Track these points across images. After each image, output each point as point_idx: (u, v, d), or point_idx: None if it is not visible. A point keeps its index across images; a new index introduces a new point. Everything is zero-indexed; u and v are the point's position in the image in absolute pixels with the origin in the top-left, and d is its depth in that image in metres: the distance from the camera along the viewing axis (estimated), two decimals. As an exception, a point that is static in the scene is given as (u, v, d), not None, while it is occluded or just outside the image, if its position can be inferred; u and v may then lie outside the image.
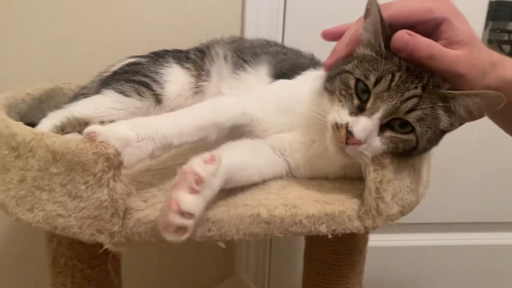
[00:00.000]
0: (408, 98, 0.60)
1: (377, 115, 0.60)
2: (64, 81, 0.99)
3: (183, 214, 0.51)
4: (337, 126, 0.62)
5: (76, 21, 1.12)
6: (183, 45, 1.02)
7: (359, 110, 0.62)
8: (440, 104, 0.61)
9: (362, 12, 0.66)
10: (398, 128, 0.61)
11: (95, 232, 0.56)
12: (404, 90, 0.60)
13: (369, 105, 0.61)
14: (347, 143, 0.60)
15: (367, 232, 0.65)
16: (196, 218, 0.53)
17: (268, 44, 1.00)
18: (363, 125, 0.60)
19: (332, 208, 0.62)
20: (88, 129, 0.54)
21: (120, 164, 0.54)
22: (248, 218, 0.59)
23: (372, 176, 0.61)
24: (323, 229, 0.61)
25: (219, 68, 0.93)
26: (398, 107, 0.60)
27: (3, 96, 0.78)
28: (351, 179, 0.71)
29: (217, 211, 0.58)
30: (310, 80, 0.75)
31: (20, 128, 0.58)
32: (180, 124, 0.63)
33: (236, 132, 0.73)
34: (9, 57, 1.10)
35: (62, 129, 0.73)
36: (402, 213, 0.67)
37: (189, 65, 0.93)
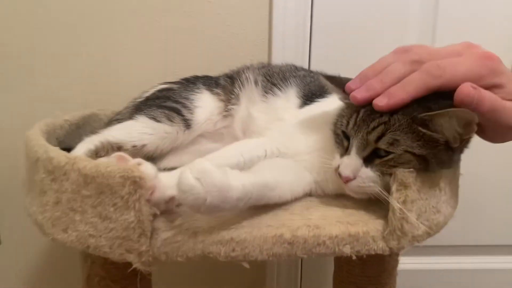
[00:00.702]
0: (374, 128, 0.64)
1: (354, 151, 0.66)
2: (100, 107, 1.05)
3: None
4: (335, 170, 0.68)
5: (111, 51, 1.18)
6: (213, 71, 1.06)
7: (346, 151, 0.68)
8: (420, 124, 0.62)
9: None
10: (385, 153, 0.64)
11: (124, 252, 0.58)
12: (369, 121, 0.64)
13: (350, 145, 0.67)
14: (344, 183, 0.67)
15: (392, 253, 0.64)
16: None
17: (296, 68, 1.03)
18: (345, 163, 0.66)
19: (355, 228, 0.62)
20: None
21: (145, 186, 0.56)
22: (271, 239, 0.60)
23: (395, 196, 0.61)
24: (346, 250, 0.61)
25: (250, 92, 0.96)
26: (366, 138, 0.64)
27: (43, 123, 0.83)
28: (376, 199, 0.71)
29: (241, 231, 0.60)
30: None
31: (56, 153, 0.62)
32: None
33: None
34: (49, 85, 1.17)
35: (96, 153, 0.76)
36: (429, 234, 0.66)
37: (218, 91, 0.95)
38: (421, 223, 0.64)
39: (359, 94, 0.64)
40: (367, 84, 0.64)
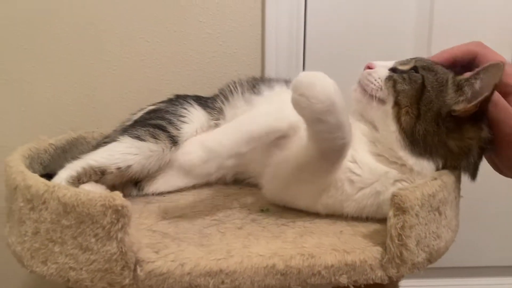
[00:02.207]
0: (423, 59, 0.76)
1: (394, 61, 0.76)
2: (89, 129, 1.02)
3: None
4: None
5: (101, 69, 1.15)
6: (206, 91, 1.04)
7: None
8: (451, 81, 0.70)
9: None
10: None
11: (106, 285, 0.55)
12: None
13: None
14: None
15: (391, 282, 0.61)
16: None
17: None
18: (379, 61, 0.76)
19: (352, 257, 0.58)
20: None
21: (129, 216, 0.53)
22: (263, 270, 0.56)
23: (392, 222, 0.58)
24: (343, 280, 0.58)
25: (235, 102, 0.94)
26: (411, 59, 0.75)
27: (26, 147, 0.80)
28: (372, 223, 0.68)
29: (230, 262, 0.56)
30: None
31: (35, 180, 0.59)
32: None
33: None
34: (35, 106, 1.14)
35: (79, 179, 0.73)
36: (430, 260, 0.63)
37: (209, 110, 0.94)
38: (421, 249, 0.61)
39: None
40: None
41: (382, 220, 0.65)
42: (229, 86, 0.98)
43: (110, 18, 1.13)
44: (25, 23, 1.11)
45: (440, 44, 1.16)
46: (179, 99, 0.94)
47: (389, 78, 0.72)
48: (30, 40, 1.11)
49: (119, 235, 0.52)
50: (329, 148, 0.63)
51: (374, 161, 0.70)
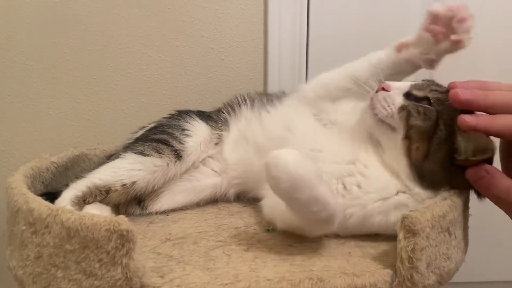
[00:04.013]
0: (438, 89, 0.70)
1: (410, 83, 0.71)
2: (91, 145, 1.01)
3: None
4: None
5: (103, 84, 1.14)
6: (208, 106, 1.03)
7: None
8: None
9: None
10: (421, 102, 0.68)
11: (110, 312, 0.53)
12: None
13: None
14: (377, 91, 0.71)
15: (402, 305, 0.59)
16: None
17: None
18: (395, 82, 0.72)
19: (362, 280, 0.57)
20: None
21: (134, 241, 0.52)
22: (271, 295, 0.55)
23: (402, 244, 0.56)
24: (353, 303, 0.57)
25: (242, 114, 0.94)
26: (428, 84, 0.70)
27: (28, 167, 0.79)
28: (381, 243, 0.67)
29: (238, 286, 0.55)
30: None
31: (37, 204, 0.58)
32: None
33: None
34: (38, 121, 1.13)
35: (84, 200, 0.72)
36: (441, 282, 0.62)
37: (212, 123, 0.93)
38: (432, 272, 0.60)
39: (463, 94, 0.59)
40: (473, 90, 0.60)
41: (391, 240, 0.64)
42: (236, 98, 0.97)
43: (112, 33, 1.13)
44: (27, 39, 1.10)
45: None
46: (181, 114, 0.93)
47: (403, 108, 0.68)
48: (33, 56, 1.11)
49: (124, 260, 0.51)
50: (312, 220, 0.62)
51: (382, 169, 0.70)
